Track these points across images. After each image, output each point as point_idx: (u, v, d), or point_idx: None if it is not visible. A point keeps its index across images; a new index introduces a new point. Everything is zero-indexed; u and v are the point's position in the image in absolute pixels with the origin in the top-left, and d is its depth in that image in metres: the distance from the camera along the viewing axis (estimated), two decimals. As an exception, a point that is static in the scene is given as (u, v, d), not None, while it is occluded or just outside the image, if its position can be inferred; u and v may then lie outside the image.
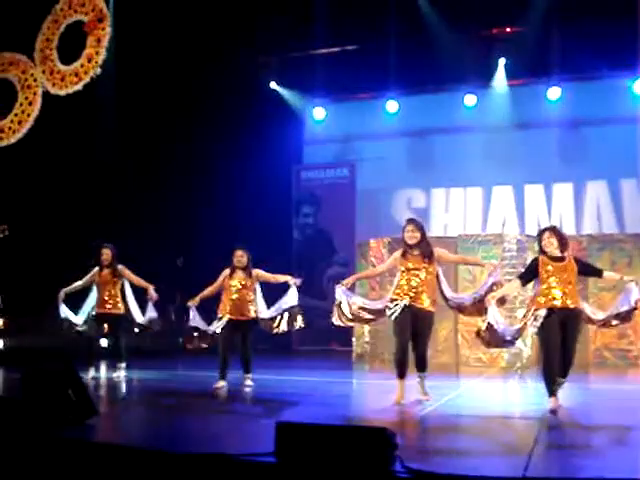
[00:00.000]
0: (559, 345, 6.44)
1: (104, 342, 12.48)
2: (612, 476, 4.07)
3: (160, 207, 13.42)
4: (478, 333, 6.80)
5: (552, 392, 6.41)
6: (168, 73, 12.67)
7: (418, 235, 7.09)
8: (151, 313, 9.05)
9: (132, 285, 9.18)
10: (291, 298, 8.22)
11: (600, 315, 6.91)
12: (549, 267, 6.54)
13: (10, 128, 10.69)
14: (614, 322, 6.93)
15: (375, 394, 8.55)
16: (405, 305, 6.90)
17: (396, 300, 6.97)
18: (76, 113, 11.06)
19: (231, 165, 13.69)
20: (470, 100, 14.39)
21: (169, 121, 13.18)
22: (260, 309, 8.37)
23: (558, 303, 6.44)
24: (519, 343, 11.21)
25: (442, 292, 7.22)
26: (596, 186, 13.91)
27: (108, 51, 8.26)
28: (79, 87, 8.52)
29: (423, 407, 6.73)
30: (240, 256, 8.40)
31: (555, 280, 6.49)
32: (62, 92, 9.44)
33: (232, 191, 13.79)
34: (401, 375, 6.97)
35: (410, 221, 7.30)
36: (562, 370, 6.52)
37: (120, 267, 9.16)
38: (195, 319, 8.37)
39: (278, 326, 8.25)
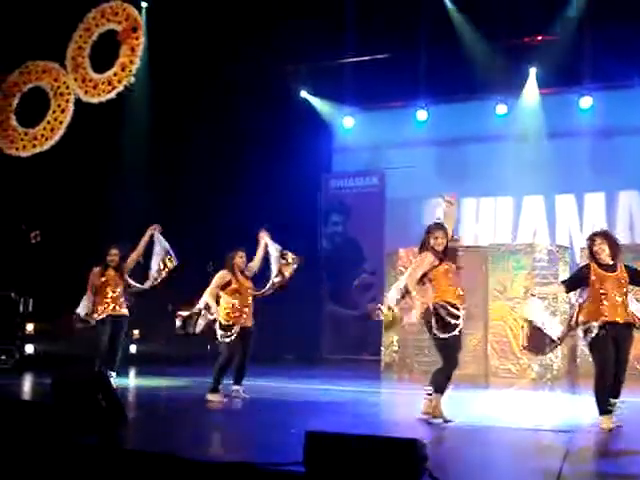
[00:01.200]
0: (613, 361, 6.12)
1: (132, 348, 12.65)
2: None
3: (187, 213, 13.49)
4: (525, 346, 6.53)
5: (606, 411, 6.12)
6: (199, 82, 12.75)
7: (445, 242, 6.69)
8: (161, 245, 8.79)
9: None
10: (274, 249, 8.08)
11: None
12: (601, 276, 6.22)
13: (43, 135, 10.80)
14: None
15: (404, 404, 8.50)
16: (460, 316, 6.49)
17: (455, 305, 6.50)
18: (108, 120, 11.15)
19: (260, 174, 13.72)
20: (501, 109, 14.32)
21: (200, 130, 13.24)
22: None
23: (609, 316, 6.12)
24: (550, 354, 11.15)
25: None
26: (628, 195, 13.76)
27: (142, 60, 8.30)
28: (112, 95, 8.57)
29: (452, 419, 6.66)
30: (240, 257, 8.05)
31: (606, 290, 6.16)
32: (95, 100, 9.52)
33: (260, 199, 13.80)
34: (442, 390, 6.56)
35: (439, 227, 6.76)
36: (614, 389, 6.19)
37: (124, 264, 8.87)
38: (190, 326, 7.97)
39: (279, 274, 8.09)
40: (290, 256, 8.11)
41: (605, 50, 12.33)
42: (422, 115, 14.78)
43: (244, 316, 7.91)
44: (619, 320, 6.15)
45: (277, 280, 8.15)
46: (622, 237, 13.39)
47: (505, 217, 14.57)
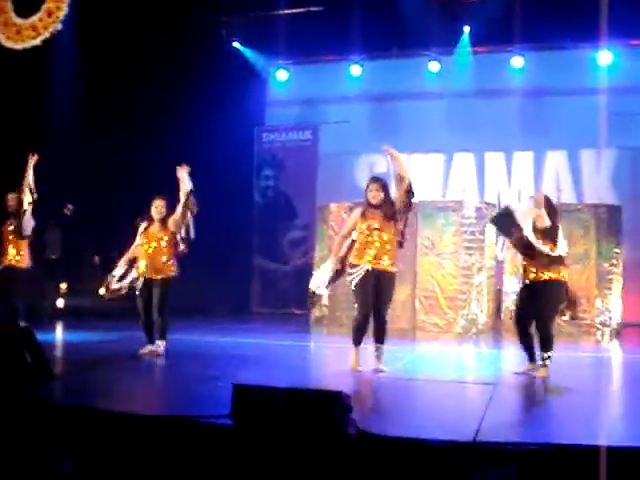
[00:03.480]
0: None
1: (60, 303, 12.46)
2: (559, 441, 4.16)
3: (116, 167, 13.23)
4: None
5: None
6: (129, 32, 12.38)
7: (382, 195, 6.80)
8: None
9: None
10: (186, 185, 7.69)
11: None
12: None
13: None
14: None
15: (332, 358, 8.62)
16: (367, 270, 6.69)
17: (357, 265, 6.74)
18: (32, 68, 10.74)
19: (191, 125, 13.49)
20: (434, 66, 14.36)
21: (128, 82, 12.92)
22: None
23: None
24: (475, 309, 11.43)
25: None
26: (556, 156, 14.03)
27: (69, 7, 7.97)
28: (37, 42, 8.23)
29: (377, 370, 6.79)
30: (160, 206, 7.81)
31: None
32: (18, 46, 9.14)
33: (192, 151, 13.59)
34: (357, 342, 6.83)
35: (374, 180, 6.99)
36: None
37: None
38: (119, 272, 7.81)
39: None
40: (190, 202, 7.71)
41: (538, 11, 12.43)
42: (356, 70, 14.72)
43: (143, 266, 7.70)
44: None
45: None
46: (550, 197, 13.78)
47: (436, 174, 14.70)
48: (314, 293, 6.99)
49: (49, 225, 11.87)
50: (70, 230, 12.29)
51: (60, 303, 12.38)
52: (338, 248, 6.98)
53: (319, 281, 6.94)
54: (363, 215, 6.85)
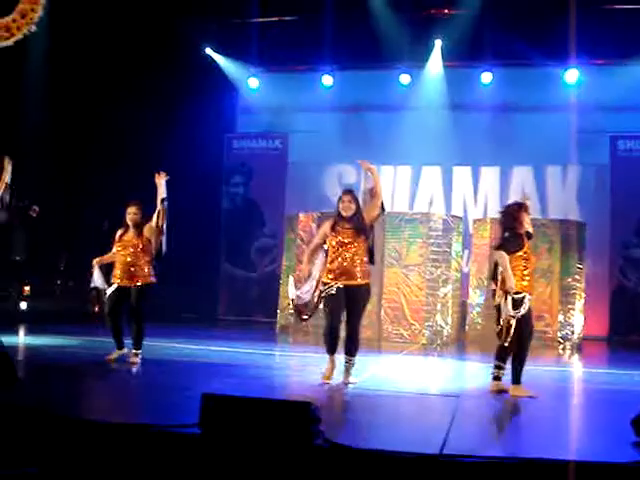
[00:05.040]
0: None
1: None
2: (525, 455, 4.22)
3: (86, 171, 13.15)
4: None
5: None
6: (101, 35, 12.32)
7: (354, 207, 6.77)
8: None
9: None
10: (161, 193, 7.66)
11: None
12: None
13: None
14: None
15: (298, 367, 8.63)
16: (338, 287, 6.66)
17: (328, 283, 6.72)
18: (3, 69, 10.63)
19: (162, 130, 13.46)
20: (405, 79, 14.49)
21: (99, 85, 12.85)
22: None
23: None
24: (440, 320, 11.53)
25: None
26: (522, 171, 14.24)
27: (44, 9, 7.91)
28: (10, 43, 8.15)
29: (344, 382, 6.81)
30: (133, 213, 7.70)
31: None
32: (-12, 45, 9.03)
33: (162, 157, 13.56)
34: (330, 352, 6.81)
35: (347, 192, 6.92)
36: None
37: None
38: (97, 280, 7.76)
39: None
40: (164, 210, 7.67)
41: (508, 29, 12.66)
42: (327, 80, 14.80)
43: (119, 272, 7.63)
44: None
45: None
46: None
47: (403, 186, 14.83)
48: (295, 302, 6.92)
49: (14, 227, 11.74)
50: (35, 232, 12.18)
51: (23, 305, 12.24)
52: (308, 259, 6.98)
53: (300, 290, 6.87)
54: (333, 229, 6.82)
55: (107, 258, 7.87)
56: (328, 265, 6.79)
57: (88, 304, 7.97)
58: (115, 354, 7.69)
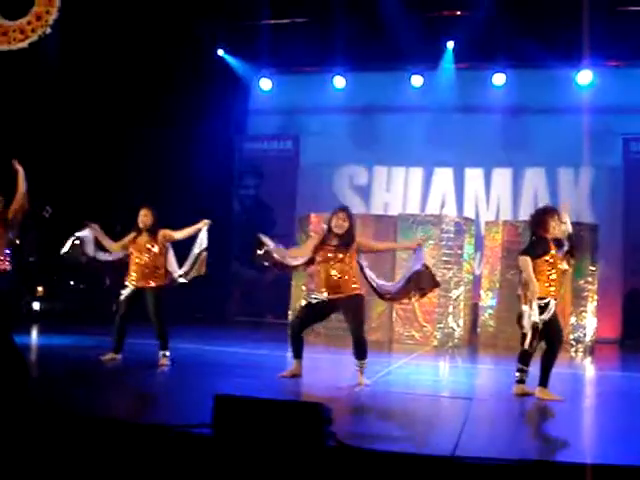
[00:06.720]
0: None
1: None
2: (537, 457, 4.21)
3: (96, 172, 13.16)
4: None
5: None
6: (113, 39, 12.33)
7: (347, 225, 6.77)
8: None
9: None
10: (202, 241, 7.77)
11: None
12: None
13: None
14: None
15: (309, 368, 8.62)
16: (324, 299, 6.79)
17: (315, 293, 6.91)
18: (17, 71, 10.68)
19: (173, 132, 13.47)
20: (417, 80, 14.46)
21: (111, 87, 12.86)
22: (174, 269, 7.80)
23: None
24: (451, 323, 11.51)
25: (368, 281, 7.01)
26: (535, 173, 14.18)
27: (60, 11, 7.94)
28: (24, 45, 8.18)
29: (357, 384, 6.82)
30: (144, 215, 7.73)
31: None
32: (4, 47, 9.08)
33: (173, 158, 13.60)
34: (295, 355, 7.10)
35: (342, 209, 6.92)
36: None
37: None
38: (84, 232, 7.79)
39: (187, 274, 7.79)
40: (203, 257, 7.79)
41: (521, 30, 12.58)
42: (339, 82, 14.79)
43: (134, 275, 7.67)
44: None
45: (179, 275, 7.81)
46: (526, 213, 13.89)
47: (415, 187, 14.80)
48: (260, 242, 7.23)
49: (27, 227, 11.77)
50: (48, 233, 12.21)
51: (36, 306, 12.29)
52: (289, 254, 7.23)
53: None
54: (321, 247, 6.86)
55: (104, 237, 7.85)
56: (316, 278, 6.95)
57: (70, 254, 7.73)
58: (109, 356, 7.66)
